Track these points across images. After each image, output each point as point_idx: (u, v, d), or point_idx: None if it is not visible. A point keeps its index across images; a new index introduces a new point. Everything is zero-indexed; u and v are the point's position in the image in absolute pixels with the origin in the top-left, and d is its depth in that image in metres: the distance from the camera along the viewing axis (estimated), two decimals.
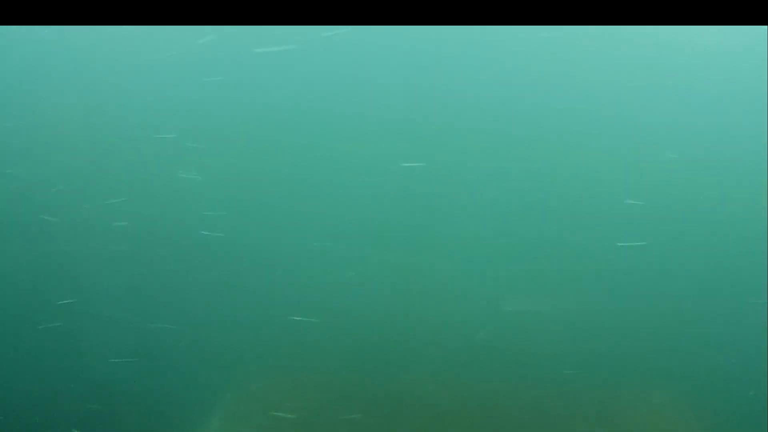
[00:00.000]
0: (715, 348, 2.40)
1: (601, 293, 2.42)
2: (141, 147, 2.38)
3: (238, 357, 2.57)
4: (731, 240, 2.34)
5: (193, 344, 2.50)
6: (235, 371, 2.58)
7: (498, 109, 2.30)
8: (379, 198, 2.40)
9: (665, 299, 2.39)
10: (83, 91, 2.36)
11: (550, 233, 2.37)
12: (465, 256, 2.42)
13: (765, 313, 2.28)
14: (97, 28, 2.19)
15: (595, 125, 2.28)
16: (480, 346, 2.43)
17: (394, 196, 2.38)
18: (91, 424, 2.59)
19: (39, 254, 2.51)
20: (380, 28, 2.11)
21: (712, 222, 2.35)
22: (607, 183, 2.31)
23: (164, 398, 2.59)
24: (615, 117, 2.28)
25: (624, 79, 2.25)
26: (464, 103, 2.29)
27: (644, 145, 2.29)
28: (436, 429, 2.54)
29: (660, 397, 2.49)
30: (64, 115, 2.38)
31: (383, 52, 2.26)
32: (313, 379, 2.47)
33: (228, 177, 2.41)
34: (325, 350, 2.52)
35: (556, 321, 2.43)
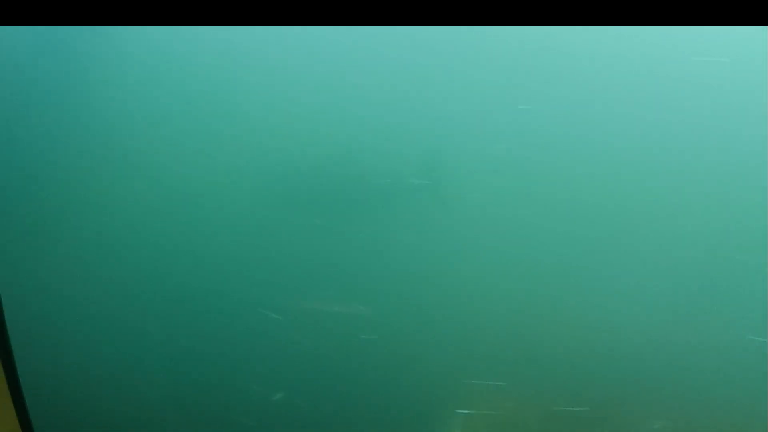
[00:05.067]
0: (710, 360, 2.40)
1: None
2: None
3: None
4: (730, 240, 2.35)
5: None
6: None
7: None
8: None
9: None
10: None
11: (547, 234, 2.37)
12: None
13: (765, 313, 2.28)
14: None
15: (592, 125, 2.28)
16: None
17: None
18: None
19: None
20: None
21: (711, 222, 2.36)
22: (602, 182, 2.32)
23: None
24: (613, 117, 2.28)
25: (622, 78, 2.25)
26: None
27: (642, 145, 2.30)
28: None
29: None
30: None
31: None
32: None
33: None
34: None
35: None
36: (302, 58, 2.23)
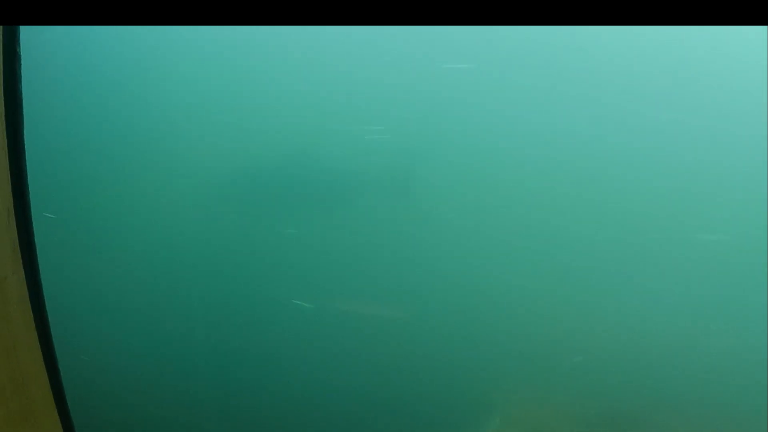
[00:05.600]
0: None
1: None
2: None
3: None
4: (730, 242, 2.34)
5: None
6: None
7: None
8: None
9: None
10: None
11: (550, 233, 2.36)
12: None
13: (765, 313, 2.27)
14: None
15: (593, 126, 2.27)
16: None
17: None
18: None
19: None
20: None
21: (710, 223, 2.35)
22: (602, 183, 2.30)
23: None
24: (612, 118, 2.27)
25: (622, 79, 2.24)
26: None
27: (641, 146, 2.29)
28: None
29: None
30: None
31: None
32: None
33: None
34: None
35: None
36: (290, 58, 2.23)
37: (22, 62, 1.06)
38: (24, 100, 1.08)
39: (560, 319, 2.39)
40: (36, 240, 1.18)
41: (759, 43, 2.12)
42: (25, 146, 1.09)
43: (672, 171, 2.35)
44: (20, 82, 1.07)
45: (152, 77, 2.34)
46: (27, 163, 1.10)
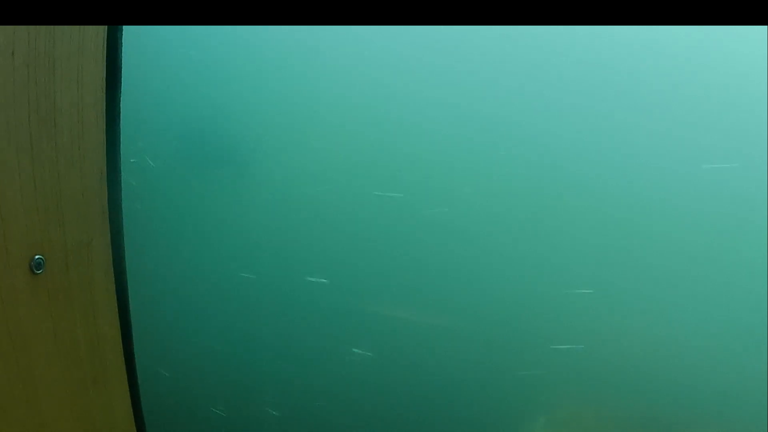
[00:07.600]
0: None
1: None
2: None
3: None
4: (730, 244, 2.34)
5: None
6: None
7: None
8: None
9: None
10: None
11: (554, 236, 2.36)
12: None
13: (765, 313, 2.27)
14: None
15: (590, 127, 2.28)
16: None
17: None
18: None
19: None
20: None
21: (710, 225, 2.37)
22: (599, 185, 2.30)
23: None
24: (610, 118, 2.29)
25: (620, 79, 2.28)
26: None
27: (639, 147, 2.32)
28: None
29: None
30: None
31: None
32: None
33: None
34: None
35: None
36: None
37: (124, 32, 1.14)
38: (123, 68, 1.15)
39: (608, 324, 2.38)
40: (123, 206, 1.23)
41: (759, 43, 2.20)
42: (121, 111, 1.15)
43: (671, 172, 2.38)
44: (121, 49, 1.14)
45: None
46: (121, 129, 1.16)
